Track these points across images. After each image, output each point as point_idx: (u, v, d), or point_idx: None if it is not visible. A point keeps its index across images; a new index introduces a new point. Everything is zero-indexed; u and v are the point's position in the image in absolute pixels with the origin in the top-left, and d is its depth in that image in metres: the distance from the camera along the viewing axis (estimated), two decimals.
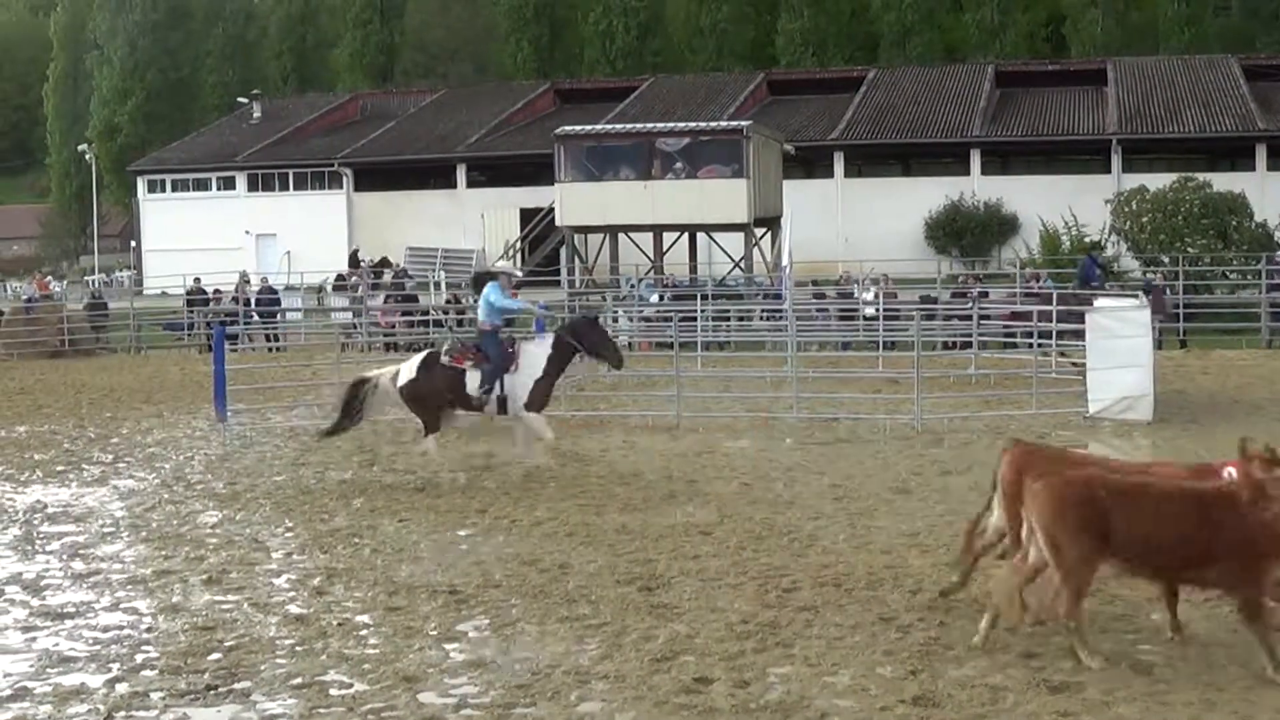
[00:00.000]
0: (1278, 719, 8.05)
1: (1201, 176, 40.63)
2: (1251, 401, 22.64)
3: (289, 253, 58.34)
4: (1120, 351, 20.20)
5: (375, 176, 61.85)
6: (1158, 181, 40.72)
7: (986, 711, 8.18)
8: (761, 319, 33.80)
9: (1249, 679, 8.61)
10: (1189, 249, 36.80)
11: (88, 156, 68.18)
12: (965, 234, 53.38)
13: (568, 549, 12.47)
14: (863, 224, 52.58)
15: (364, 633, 9.99)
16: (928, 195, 54.06)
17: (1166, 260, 36.60)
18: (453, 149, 60.84)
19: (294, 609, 10.71)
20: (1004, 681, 8.64)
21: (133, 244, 65.85)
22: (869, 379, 24.87)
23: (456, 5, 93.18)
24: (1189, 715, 8.10)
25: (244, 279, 40.43)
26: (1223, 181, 41.25)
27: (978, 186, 54.41)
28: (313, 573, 11.82)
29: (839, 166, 56.75)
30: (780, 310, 32.25)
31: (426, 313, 36.12)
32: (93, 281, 63.93)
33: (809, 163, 55.58)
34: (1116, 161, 53.24)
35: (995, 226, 53.41)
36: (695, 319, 29.93)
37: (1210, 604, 10.24)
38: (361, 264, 49.06)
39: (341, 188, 61.64)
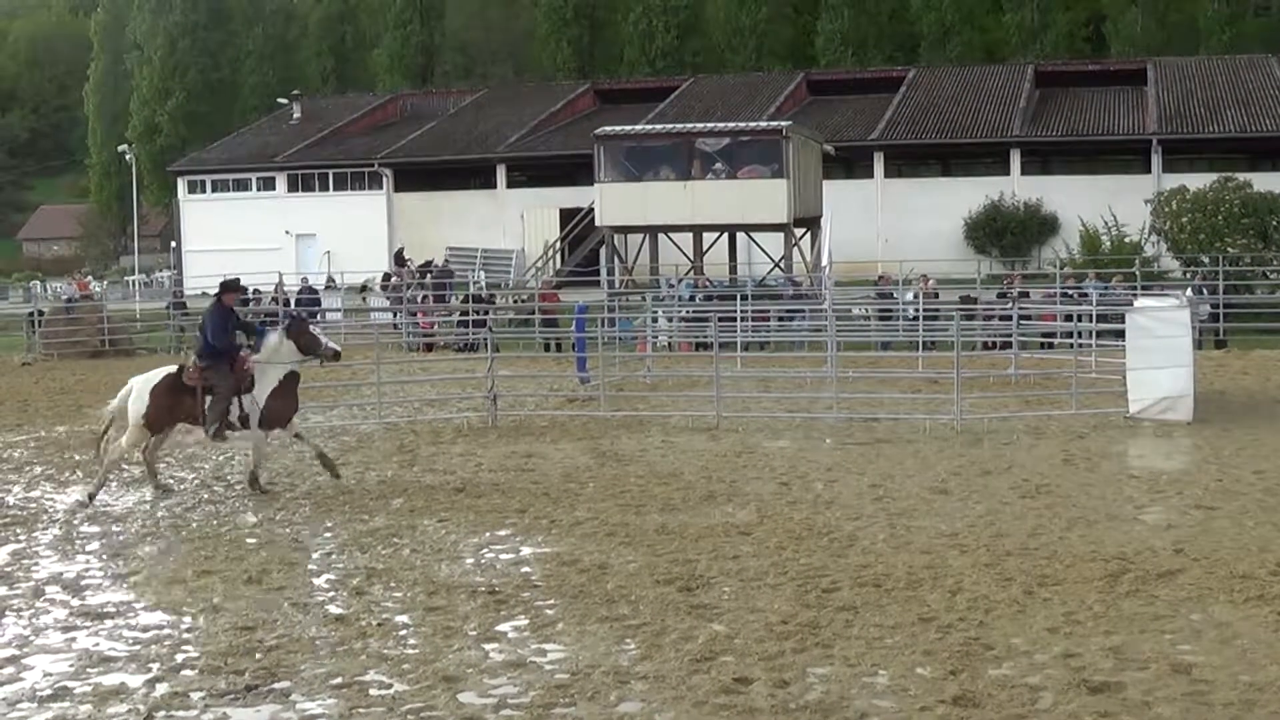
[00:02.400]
0: None
1: (1242, 176, 40.36)
2: None
3: (329, 253, 58.59)
4: (1160, 351, 20.09)
5: (415, 177, 62.03)
6: (1198, 181, 40.45)
7: (1026, 712, 8.15)
8: (798, 319, 33.68)
9: None
10: (1229, 249, 36.57)
11: (128, 157, 68.49)
12: (1005, 234, 53.17)
13: (607, 549, 12.49)
14: (902, 224, 52.44)
15: (403, 633, 10.02)
16: (967, 195, 53.86)
17: (1206, 260, 36.38)
18: (493, 149, 60.98)
19: (334, 609, 10.76)
20: (1043, 682, 8.61)
21: (173, 244, 66.22)
22: (909, 379, 24.82)
23: (496, 6, 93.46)
24: (1229, 715, 8.04)
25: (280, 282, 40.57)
26: (1263, 181, 40.96)
27: (1017, 186, 54.17)
28: (352, 573, 11.87)
29: (879, 166, 56.59)
30: (820, 310, 32.18)
31: (465, 313, 36.19)
32: (166, 280, 64.14)
33: (849, 163, 55.46)
34: (1156, 161, 52.92)
35: (1035, 226, 53.17)
36: (735, 319, 29.91)
37: (1250, 602, 10.20)
38: (407, 263, 49.20)
39: (381, 188, 61.85)
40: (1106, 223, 43.11)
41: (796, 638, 9.59)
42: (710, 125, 45.63)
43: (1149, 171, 52.55)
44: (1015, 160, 55.46)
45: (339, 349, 17.37)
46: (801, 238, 43.58)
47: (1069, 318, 27.77)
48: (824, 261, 40.59)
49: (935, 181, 58.50)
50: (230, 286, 16.55)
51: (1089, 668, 8.84)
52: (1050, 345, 28.54)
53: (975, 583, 10.92)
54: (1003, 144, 55.75)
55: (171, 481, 16.71)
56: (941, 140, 57.69)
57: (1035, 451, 17.91)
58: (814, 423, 20.81)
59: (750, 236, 44.34)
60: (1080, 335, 25.61)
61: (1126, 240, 42.20)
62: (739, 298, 32.73)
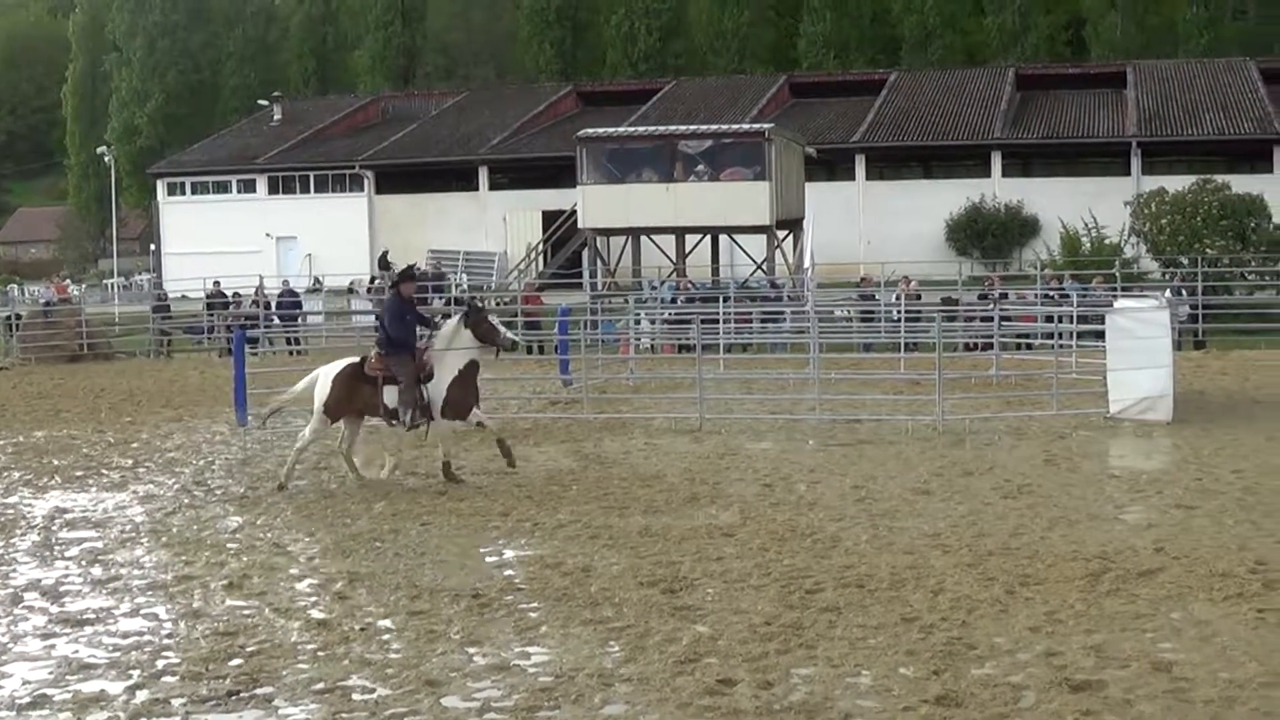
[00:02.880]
0: None
1: (1220, 178, 40.59)
2: (1271, 401, 22.58)
3: (310, 255, 58.52)
4: (1140, 352, 20.17)
5: (397, 179, 62.01)
6: (1177, 183, 40.66)
7: (1009, 711, 8.17)
8: (780, 321, 33.71)
9: (1269, 675, 8.59)
10: (1208, 250, 36.74)
11: (106, 159, 68.40)
12: (986, 236, 53.37)
13: (590, 551, 12.48)
14: (884, 226, 52.58)
15: (386, 637, 9.99)
16: (949, 197, 54.05)
17: (1185, 261, 36.53)
18: (475, 151, 60.99)
19: (316, 614, 10.72)
20: (1026, 681, 8.63)
21: (152, 247, 66.06)
22: (891, 380, 24.87)
23: (478, 8, 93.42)
24: (1209, 713, 8.07)
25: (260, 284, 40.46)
26: (1241, 183, 41.19)
27: (998, 188, 54.38)
28: (335, 577, 11.84)
29: (860, 169, 56.75)
30: (803, 312, 32.23)
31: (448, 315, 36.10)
32: (145, 283, 63.98)
33: (831, 165, 55.61)
34: (1136, 164, 53.19)
35: (1016, 228, 53.39)
36: (717, 321, 29.92)
37: (1229, 600, 10.24)
38: (391, 266, 49.14)
39: (363, 190, 61.82)
40: (1086, 224, 43.22)
41: (780, 639, 9.59)
42: (692, 127, 45.73)
43: (1128, 174, 52.84)
44: (996, 162, 55.67)
45: (517, 339, 17.67)
46: (784, 240, 43.64)
47: (1050, 319, 27.88)
48: (806, 263, 40.68)
49: (917, 184, 58.69)
50: (407, 276, 16.86)
51: (1071, 666, 8.87)
52: (1031, 346, 28.62)
53: (958, 583, 10.94)
54: (984, 146, 55.98)
55: (367, 474, 16.74)
56: (923, 143, 57.90)
57: (1016, 452, 17.96)
58: (797, 424, 20.83)
59: (732, 238, 44.41)
60: (1061, 336, 25.70)
61: (1106, 242, 42.31)
62: (721, 299, 32.74)
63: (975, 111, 59.22)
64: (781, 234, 43.18)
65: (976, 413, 21.06)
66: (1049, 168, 57.47)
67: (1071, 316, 25.98)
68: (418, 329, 16.79)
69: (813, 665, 9.04)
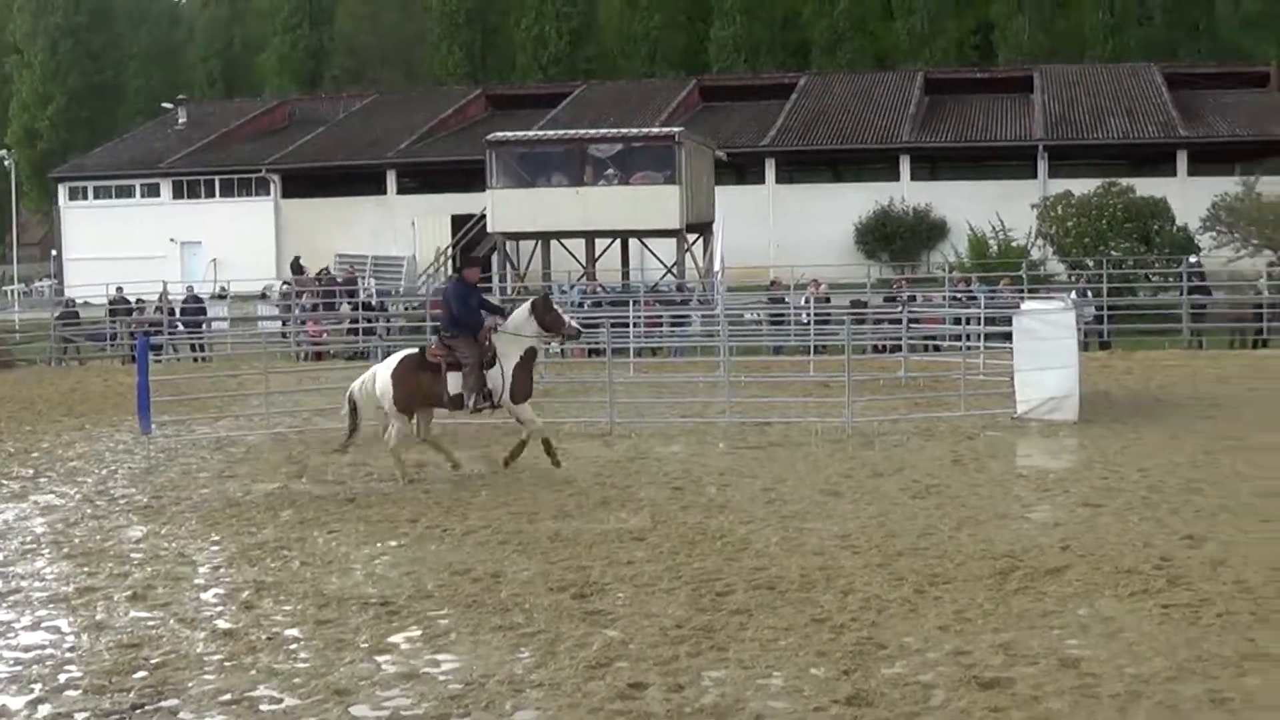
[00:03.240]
0: (1201, 707, 8.13)
1: (1125, 181, 41.21)
2: (1174, 400, 22.96)
3: (215, 261, 57.85)
4: (1046, 353, 20.41)
5: (304, 183, 61.46)
6: (1082, 186, 41.23)
7: (919, 709, 8.20)
8: (690, 324, 33.77)
9: (1174, 669, 8.70)
10: (1113, 252, 37.28)
11: (6, 163, 67.21)
12: (895, 239, 53.80)
13: (500, 557, 12.40)
14: (794, 229, 52.86)
15: (294, 647, 9.85)
16: (858, 201, 54.43)
17: (1091, 263, 37.04)
18: (383, 155, 60.59)
19: (222, 624, 10.55)
20: (935, 679, 8.67)
21: (53, 253, 64.98)
22: (800, 383, 24.98)
23: (387, 10, 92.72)
24: (1116, 707, 8.15)
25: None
26: (1145, 186, 41.84)
27: (907, 192, 54.84)
28: (241, 586, 11.66)
29: (770, 172, 57.01)
30: (713, 315, 32.30)
31: (355, 321, 35.88)
32: (46, 289, 62.86)
33: (741, 169, 55.82)
34: (1043, 167, 53.87)
35: (924, 231, 53.85)
36: (627, 325, 29.91)
37: (1135, 596, 10.36)
38: (305, 270, 48.68)
39: (269, 194, 61.21)
40: (994, 227, 43.73)
41: (691, 641, 9.58)
42: (603, 131, 45.69)
43: (1035, 177, 53.51)
44: (905, 166, 56.15)
45: (581, 328, 17.99)
46: (694, 243, 43.73)
47: (957, 321, 28.14)
48: (716, 267, 40.77)
49: (826, 187, 59.09)
50: (472, 262, 17.30)
51: (980, 664, 8.93)
52: (939, 348, 28.89)
53: (867, 583, 10.98)
54: (892, 150, 56.44)
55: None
56: (832, 146, 58.29)
57: (925, 453, 18.10)
58: (707, 427, 20.86)
59: (643, 242, 44.41)
60: (968, 338, 25.96)
61: (1013, 244, 42.83)
62: (631, 303, 32.76)
63: (884, 115, 59.70)
64: (692, 238, 43.26)
65: (885, 414, 21.21)
66: (957, 171, 58.09)
67: (979, 318, 26.26)
68: (482, 314, 17.00)
69: (724, 667, 9.03)
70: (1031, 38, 71.92)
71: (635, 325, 30.59)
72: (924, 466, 16.90)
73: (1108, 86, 60.05)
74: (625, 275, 44.41)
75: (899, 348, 27.24)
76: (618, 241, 44.60)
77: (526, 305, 16.87)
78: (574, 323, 17.32)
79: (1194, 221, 39.88)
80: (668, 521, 13.72)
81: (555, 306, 17.16)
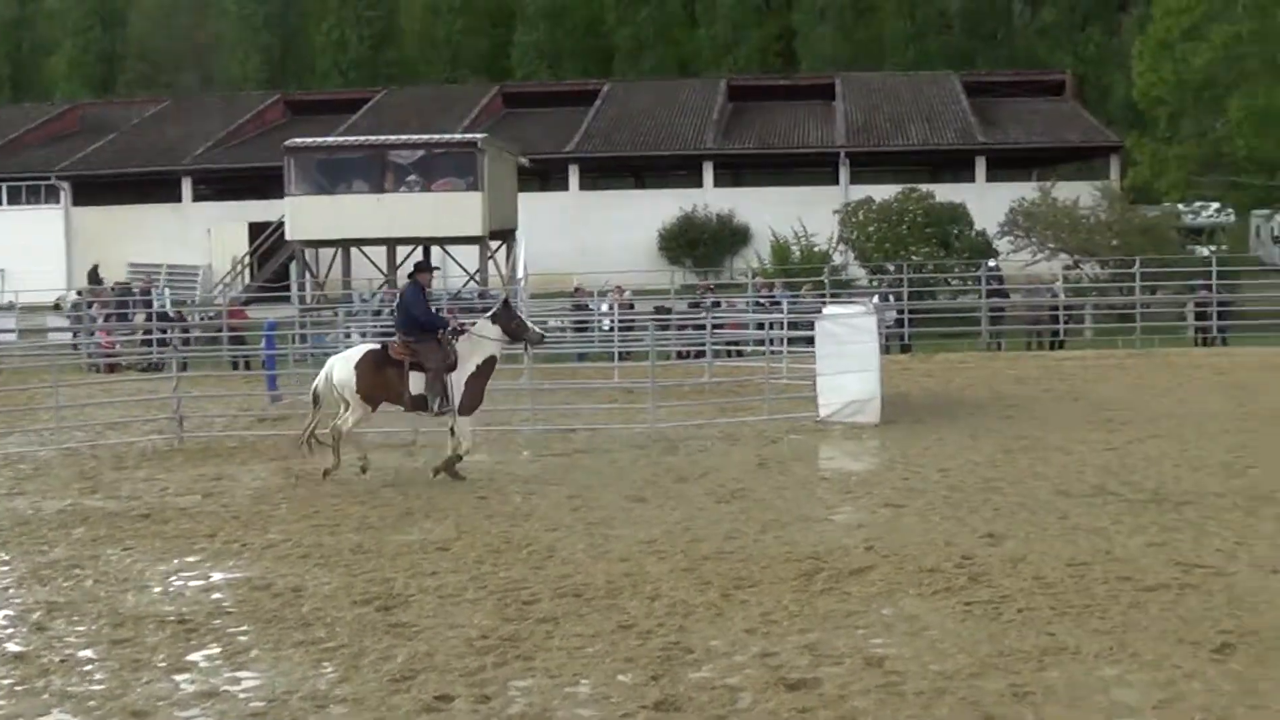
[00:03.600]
0: (1003, 701, 8.28)
1: (925, 187, 42.13)
2: (974, 402, 23.54)
3: (2, 271, 55.82)
4: (848, 357, 20.74)
5: (95, 190, 59.59)
6: (883, 192, 41.99)
7: (726, 712, 8.23)
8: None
9: (976, 665, 8.86)
10: (913, 257, 38.06)
11: None
12: (698, 245, 54.14)
13: (301, 571, 12.14)
14: (598, 236, 52.86)
15: (88, 668, 9.51)
16: (661, 207, 54.68)
17: (892, 268, 37.77)
18: (178, 161, 59.04)
19: (12, 646, 10.14)
20: (742, 682, 8.71)
21: None
22: (605, 389, 25.01)
23: (183, 13, 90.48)
24: (920, 704, 8.27)
25: None
26: (944, 192, 42.86)
27: (710, 198, 55.22)
28: (32, 607, 11.22)
29: (574, 179, 56.99)
30: None
31: (150, 331, 34.93)
32: None
33: (544, 175, 55.74)
34: (844, 173, 54.75)
35: (727, 237, 54.28)
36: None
37: (938, 595, 10.54)
38: (102, 280, 47.23)
39: (59, 202, 59.19)
40: (796, 233, 44.33)
41: (497, 652, 9.49)
42: (404, 137, 45.15)
43: (837, 183, 54.32)
44: (708, 172, 56.57)
45: (545, 334, 18.42)
46: (497, 250, 43.55)
47: (761, 326, 28.45)
48: (520, 274, 40.64)
49: (630, 194, 59.31)
50: (423, 267, 17.78)
51: (786, 666, 8.99)
52: (743, 353, 29.18)
53: (673, 588, 11.00)
54: (696, 156, 56.82)
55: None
56: (636, 153, 58.47)
57: (730, 457, 18.24)
58: (511, 435, 20.76)
59: (445, 250, 44.05)
60: (772, 343, 26.26)
61: (816, 250, 43.46)
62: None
63: (688, 122, 60.11)
64: (495, 245, 43.08)
65: (690, 420, 21.32)
66: (760, 177, 58.77)
67: (782, 323, 26.58)
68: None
69: (531, 677, 8.96)
70: (834, 46, 73.10)
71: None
72: (728, 471, 17.03)
73: (908, 94, 61.28)
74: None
75: (703, 353, 27.43)
76: (420, 249, 44.18)
77: (490, 313, 17.22)
78: (537, 329, 17.70)
79: (992, 226, 40.94)
80: (472, 531, 13.60)
81: (518, 313, 17.56)
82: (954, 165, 56.94)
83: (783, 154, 57.93)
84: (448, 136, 45.40)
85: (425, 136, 45.10)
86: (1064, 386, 25.64)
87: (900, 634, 9.66)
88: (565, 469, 17.57)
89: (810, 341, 22.43)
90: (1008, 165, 56.39)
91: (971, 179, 54.48)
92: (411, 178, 41.43)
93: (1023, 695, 8.36)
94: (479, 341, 16.83)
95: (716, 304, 34.91)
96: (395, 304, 17.78)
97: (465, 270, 43.04)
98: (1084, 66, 67.81)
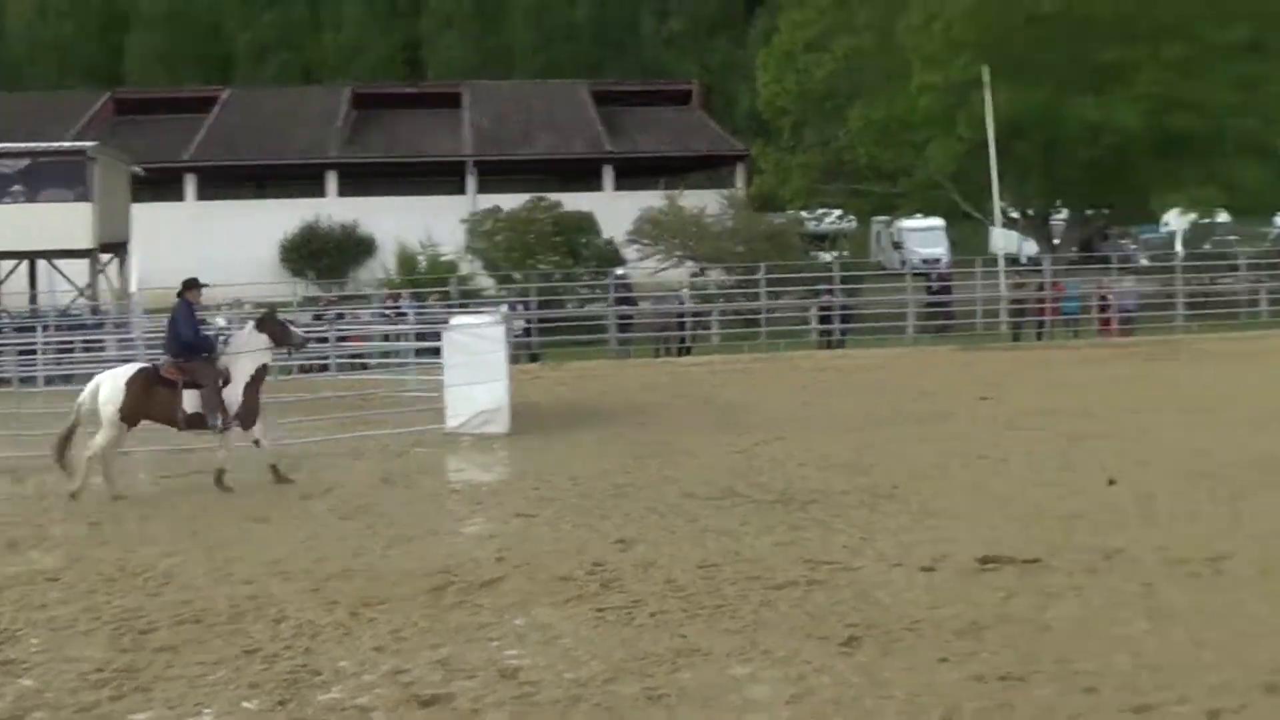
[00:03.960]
0: (638, 705, 8.30)
1: (553, 196, 42.63)
2: (605, 409, 23.83)
3: None
4: (476, 367, 20.69)
5: None
6: (512, 201, 42.31)
7: None
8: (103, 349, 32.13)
9: (610, 671, 8.87)
10: (541, 265, 38.39)
11: None
12: (322, 256, 53.32)
13: None
14: (218, 247, 51.15)
15: None
16: (284, 217, 53.63)
17: (520, 277, 37.99)
18: None
19: None
20: (373, 701, 8.48)
21: None
22: None
23: None
24: (556, 712, 8.23)
25: None
26: (573, 201, 43.45)
27: (334, 208, 54.48)
28: None
29: (191, 188, 55.29)
30: (130, 339, 30.79)
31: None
32: None
33: (160, 185, 53.73)
34: (472, 182, 54.89)
35: (352, 247, 53.68)
36: (35, 352, 28.11)
37: (570, 603, 10.54)
38: None
39: None
40: (422, 243, 44.12)
41: (113, 684, 8.97)
42: (7, 146, 42.72)
43: (465, 192, 54.40)
44: (332, 181, 55.84)
45: (306, 338, 18.75)
46: (108, 264, 41.72)
47: (386, 338, 28.11)
48: (133, 288, 39.08)
49: (251, 203, 57.96)
50: (192, 284, 17.02)
51: (418, 682, 8.81)
52: (367, 366, 28.75)
53: (299, 609, 10.66)
54: (319, 165, 56.00)
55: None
56: (257, 161, 57.13)
57: (354, 473, 17.91)
58: (125, 459, 19.78)
59: (52, 263, 41.92)
60: (398, 354, 25.96)
61: (442, 259, 43.36)
62: (40, 329, 30.86)
63: (311, 130, 59.12)
64: (106, 258, 41.26)
65: (311, 435, 20.79)
66: (386, 186, 58.27)
67: (408, 334, 26.31)
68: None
69: (150, 709, 8.51)
70: (461, 53, 73.12)
71: (44, 353, 28.79)
72: (353, 486, 16.71)
73: (537, 103, 61.86)
74: (33, 299, 41.77)
75: (326, 367, 26.91)
76: (25, 263, 41.96)
77: (251, 323, 17.30)
78: (299, 332, 18.11)
79: (620, 235, 41.69)
80: (84, 559, 12.89)
81: (280, 319, 17.45)
82: (583, 174, 57.77)
83: (409, 162, 57.68)
84: (55, 145, 43.16)
85: (30, 145, 42.73)
86: (693, 392, 26.24)
87: (534, 644, 9.60)
88: (183, 491, 16.94)
89: (437, 353, 22.26)
90: (636, 174, 57.61)
91: (600, 188, 55.46)
92: (16, 188, 39.26)
93: (657, 698, 8.41)
94: (249, 353, 16.67)
95: (340, 316, 34.33)
96: (167, 322, 17.47)
97: (75, 285, 41.05)
98: (711, 76, 69.89)
